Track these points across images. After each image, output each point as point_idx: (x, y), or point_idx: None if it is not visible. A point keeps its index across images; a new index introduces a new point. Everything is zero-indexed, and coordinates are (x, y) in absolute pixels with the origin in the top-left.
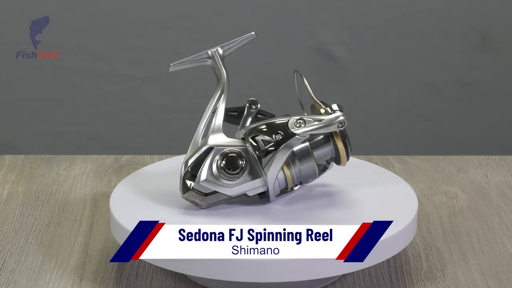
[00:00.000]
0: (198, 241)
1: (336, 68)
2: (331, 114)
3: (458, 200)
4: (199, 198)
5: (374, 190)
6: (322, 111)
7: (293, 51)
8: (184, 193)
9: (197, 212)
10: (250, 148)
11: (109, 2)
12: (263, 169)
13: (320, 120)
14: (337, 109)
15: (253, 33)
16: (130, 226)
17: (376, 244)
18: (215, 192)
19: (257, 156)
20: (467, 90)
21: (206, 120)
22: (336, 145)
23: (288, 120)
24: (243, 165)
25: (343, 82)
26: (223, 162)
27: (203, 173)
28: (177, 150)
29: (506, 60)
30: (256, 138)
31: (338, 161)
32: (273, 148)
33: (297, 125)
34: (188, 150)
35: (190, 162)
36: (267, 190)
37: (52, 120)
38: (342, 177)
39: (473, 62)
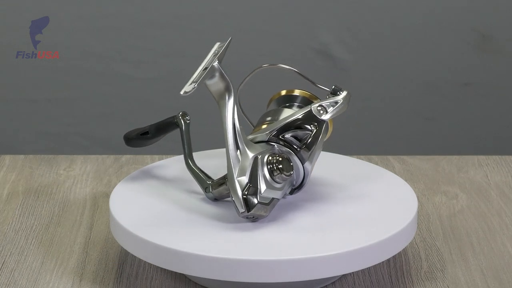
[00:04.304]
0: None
1: (336, 68)
2: (337, 95)
3: (458, 200)
4: (264, 210)
5: (374, 190)
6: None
7: (294, 52)
8: (250, 210)
9: (197, 212)
10: (282, 148)
11: (109, 2)
12: (303, 163)
13: (336, 102)
14: (338, 88)
15: (230, 38)
16: (130, 226)
17: (376, 244)
18: (273, 199)
19: (295, 152)
20: (467, 90)
21: (232, 134)
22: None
23: (310, 109)
24: (292, 165)
25: (343, 82)
26: (279, 166)
27: (264, 183)
28: (177, 150)
29: (506, 60)
30: (285, 136)
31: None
32: (313, 139)
33: (320, 112)
34: (229, 169)
35: (246, 178)
36: (301, 182)
37: (52, 120)
38: (342, 177)
39: (473, 62)
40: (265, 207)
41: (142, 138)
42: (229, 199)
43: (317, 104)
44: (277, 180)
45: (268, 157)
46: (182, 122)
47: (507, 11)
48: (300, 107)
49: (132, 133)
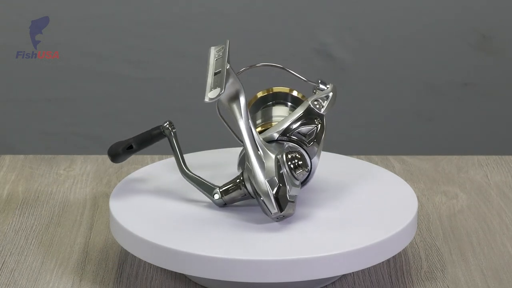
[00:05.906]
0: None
1: (336, 68)
2: (325, 88)
3: (458, 200)
4: (292, 208)
5: (374, 190)
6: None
7: (294, 52)
8: (283, 210)
9: (197, 212)
10: (290, 144)
11: (109, 2)
12: (311, 158)
13: (327, 96)
14: (323, 82)
15: (228, 40)
16: (130, 226)
17: (376, 244)
18: (295, 196)
19: (303, 148)
20: (467, 90)
21: (250, 136)
22: None
23: (308, 106)
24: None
25: (343, 82)
26: (299, 163)
27: (290, 182)
28: None
29: (506, 60)
30: (294, 133)
31: None
32: (320, 134)
33: (317, 106)
34: (256, 171)
35: (276, 178)
36: (307, 177)
37: (52, 120)
38: (342, 177)
39: (473, 62)
40: (293, 205)
41: (128, 153)
42: (238, 203)
43: (313, 99)
44: (299, 176)
45: (287, 155)
46: (171, 131)
47: (507, 12)
48: (279, 103)
49: (117, 149)
